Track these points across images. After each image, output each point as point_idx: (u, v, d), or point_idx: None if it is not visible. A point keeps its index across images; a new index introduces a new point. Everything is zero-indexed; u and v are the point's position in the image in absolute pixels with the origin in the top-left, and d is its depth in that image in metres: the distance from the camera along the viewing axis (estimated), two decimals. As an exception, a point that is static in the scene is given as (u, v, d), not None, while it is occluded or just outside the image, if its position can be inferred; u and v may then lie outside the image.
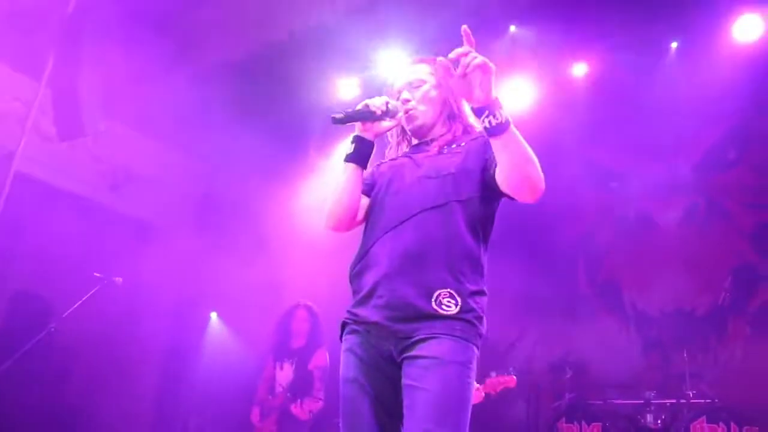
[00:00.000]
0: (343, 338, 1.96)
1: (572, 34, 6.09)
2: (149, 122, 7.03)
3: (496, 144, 1.77)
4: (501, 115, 1.72)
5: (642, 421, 4.81)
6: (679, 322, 5.79)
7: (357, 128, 2.07)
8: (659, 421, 4.73)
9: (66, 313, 4.24)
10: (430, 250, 1.85)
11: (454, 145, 2.04)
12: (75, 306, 4.23)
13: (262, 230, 7.12)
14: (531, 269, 6.25)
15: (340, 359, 1.95)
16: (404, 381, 1.78)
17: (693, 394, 4.65)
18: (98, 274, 4.18)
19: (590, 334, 6.15)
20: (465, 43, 1.73)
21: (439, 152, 2.03)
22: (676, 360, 5.09)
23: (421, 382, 1.73)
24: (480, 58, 1.70)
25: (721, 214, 5.89)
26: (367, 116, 2.03)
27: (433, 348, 1.75)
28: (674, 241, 6.02)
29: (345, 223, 2.05)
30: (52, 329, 4.30)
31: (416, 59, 2.21)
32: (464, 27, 1.73)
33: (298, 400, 4.71)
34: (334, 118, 1.97)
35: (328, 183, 2.22)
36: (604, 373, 5.83)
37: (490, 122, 1.72)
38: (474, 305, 1.84)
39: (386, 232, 1.93)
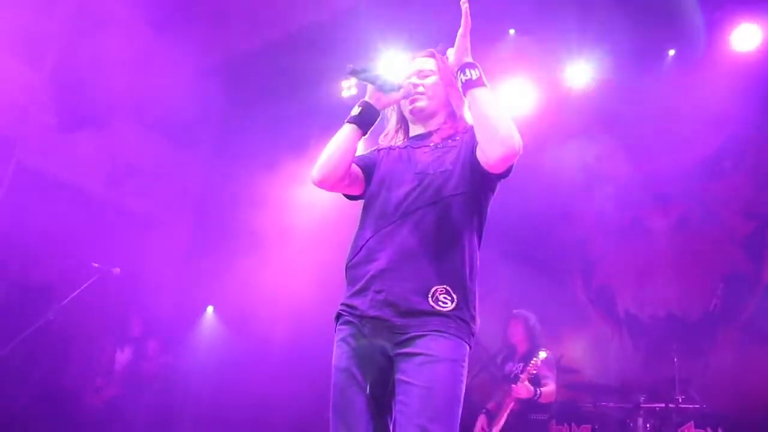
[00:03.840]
0: (337, 328, 2.00)
1: (570, 40, 6.16)
2: (150, 115, 7.07)
3: (469, 99, 1.94)
4: (473, 73, 1.94)
5: (631, 424, 4.86)
6: (670, 328, 5.83)
7: (367, 94, 2.13)
8: (648, 425, 4.77)
9: (64, 302, 4.29)
10: (427, 247, 1.90)
11: (450, 140, 2.09)
12: (73, 295, 4.27)
13: (262, 224, 7.15)
14: (526, 273, 6.32)
15: (333, 349, 1.98)
16: (398, 376, 1.82)
17: (682, 399, 4.69)
18: (96, 264, 4.23)
19: (583, 339, 6.22)
20: (464, 6, 1.96)
21: (436, 147, 2.07)
22: (667, 365, 5.13)
23: (416, 379, 1.77)
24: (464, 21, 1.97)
25: (714, 221, 5.94)
26: (383, 82, 2.09)
27: (428, 345, 1.80)
28: (668, 248, 6.07)
29: (330, 181, 2.07)
30: (51, 318, 4.36)
31: (424, 53, 2.27)
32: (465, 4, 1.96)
33: None
34: (351, 67, 2.02)
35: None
36: (595, 376, 5.89)
37: (462, 78, 1.96)
38: (469, 303, 1.90)
39: (384, 228, 1.96)
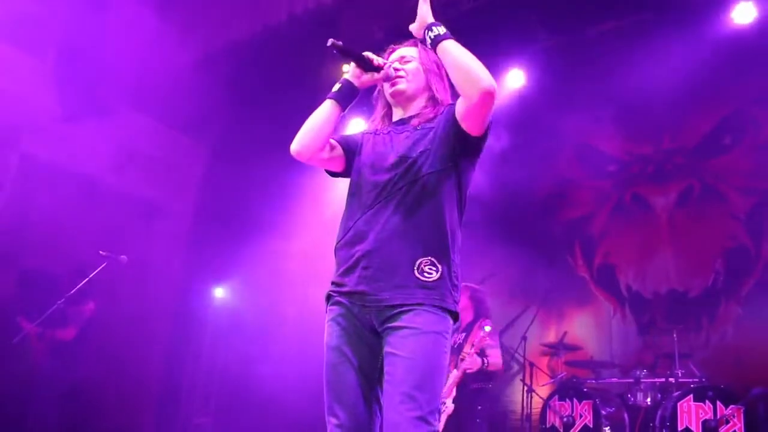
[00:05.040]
0: (328, 309, 2.10)
1: (572, 16, 6.18)
2: (153, 103, 7.11)
3: (440, 52, 2.05)
4: (439, 29, 2.07)
5: (632, 399, 4.95)
6: (672, 304, 5.90)
7: (349, 72, 2.24)
8: (648, 399, 4.86)
9: (73, 291, 4.38)
10: (411, 225, 2.00)
11: (428, 123, 2.17)
12: (82, 284, 4.35)
13: (267, 209, 7.22)
14: (528, 254, 6.38)
15: (325, 328, 2.09)
16: (386, 349, 1.94)
17: (681, 373, 4.77)
18: (104, 253, 4.30)
19: (586, 316, 6.30)
20: None
21: (415, 129, 2.15)
22: (668, 341, 5.20)
23: (401, 350, 1.88)
24: None
25: (714, 197, 5.98)
26: (363, 60, 2.17)
27: (412, 319, 1.90)
28: (668, 224, 6.13)
29: (308, 152, 2.18)
30: (61, 304, 4.46)
31: (407, 42, 2.34)
32: None
33: None
34: (333, 42, 2.08)
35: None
36: (598, 353, 5.97)
37: (430, 35, 2.07)
38: (452, 272, 2.01)
39: (369, 209, 2.06)
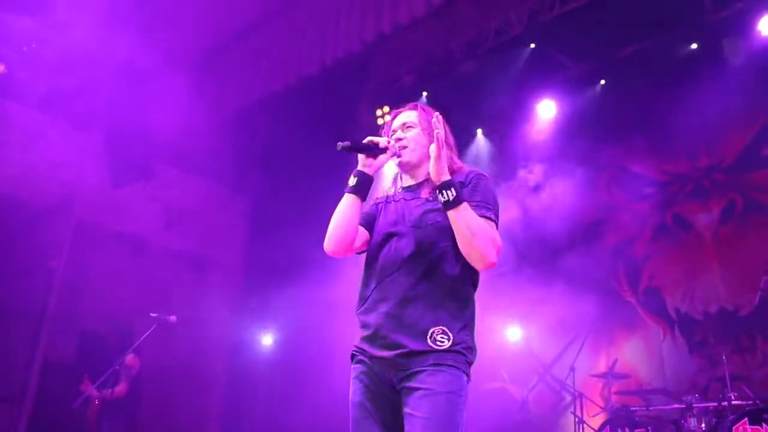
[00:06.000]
0: (352, 367, 2.22)
1: (596, 43, 6.26)
2: (194, 161, 7.43)
3: (449, 218, 2.10)
4: (449, 194, 2.08)
5: (685, 425, 4.84)
6: (723, 323, 5.77)
7: (360, 163, 2.31)
8: (703, 425, 4.75)
9: (128, 354, 4.59)
10: (422, 294, 2.10)
11: None
12: (134, 346, 4.57)
13: (311, 258, 7.36)
14: (572, 282, 6.33)
15: (350, 386, 2.20)
16: (404, 409, 2.03)
17: (735, 396, 4.65)
18: (154, 314, 4.50)
19: (635, 342, 6.20)
20: (437, 132, 2.10)
21: (426, 200, 2.25)
22: (719, 362, 5.09)
23: (417, 411, 1.98)
24: (435, 148, 2.10)
25: (758, 210, 5.87)
26: (371, 148, 2.28)
27: (426, 380, 2.00)
28: (713, 242, 6.03)
29: (342, 249, 2.27)
30: (117, 368, 4.68)
31: (407, 107, 2.45)
32: (436, 115, 2.16)
33: None
34: (341, 145, 2.21)
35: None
36: (649, 379, 5.86)
37: (441, 200, 2.10)
38: (464, 337, 2.09)
39: (384, 278, 2.17)
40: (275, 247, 7.85)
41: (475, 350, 2.14)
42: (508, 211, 6.51)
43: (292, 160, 7.85)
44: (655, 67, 6.32)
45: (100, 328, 5.98)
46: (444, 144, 2.12)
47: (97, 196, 6.76)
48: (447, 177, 2.12)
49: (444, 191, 2.10)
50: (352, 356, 2.23)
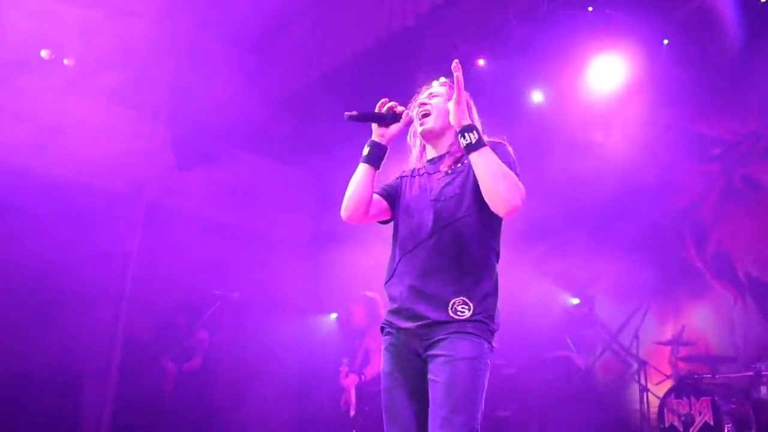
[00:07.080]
0: (382, 339, 2.32)
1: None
2: (255, 141, 7.63)
3: (472, 160, 2.13)
4: (472, 136, 2.11)
5: (756, 394, 4.71)
6: (798, 286, 5.53)
7: (373, 133, 2.39)
8: (773, 393, 4.62)
9: (197, 330, 4.84)
10: (444, 265, 2.18)
11: (459, 164, 2.32)
12: (202, 320, 4.80)
13: (373, 232, 7.46)
14: (635, 248, 6.20)
15: (381, 356, 2.31)
16: (429, 375, 2.12)
17: (807, 362, 4.49)
18: (218, 292, 4.72)
19: (704, 308, 6.02)
20: (456, 75, 2.13)
21: (446, 173, 2.31)
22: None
23: (439, 376, 2.07)
24: (456, 92, 2.15)
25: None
26: (381, 118, 2.33)
27: (448, 346, 2.09)
28: (784, 202, 5.76)
29: (357, 216, 2.36)
30: (190, 343, 4.94)
31: (438, 81, 2.50)
32: (455, 62, 2.16)
33: None
34: (347, 115, 2.26)
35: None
36: (719, 346, 5.70)
37: (463, 143, 2.15)
38: (486, 306, 2.16)
39: (408, 251, 2.25)
40: (341, 223, 7.97)
41: (498, 319, 2.20)
42: (563, 173, 6.45)
43: (350, 137, 7.90)
44: (721, 23, 6.02)
45: (172, 306, 6.29)
46: (464, 89, 2.17)
47: (165, 180, 7.06)
48: (468, 121, 2.16)
49: (466, 134, 2.14)
50: (382, 329, 2.33)
